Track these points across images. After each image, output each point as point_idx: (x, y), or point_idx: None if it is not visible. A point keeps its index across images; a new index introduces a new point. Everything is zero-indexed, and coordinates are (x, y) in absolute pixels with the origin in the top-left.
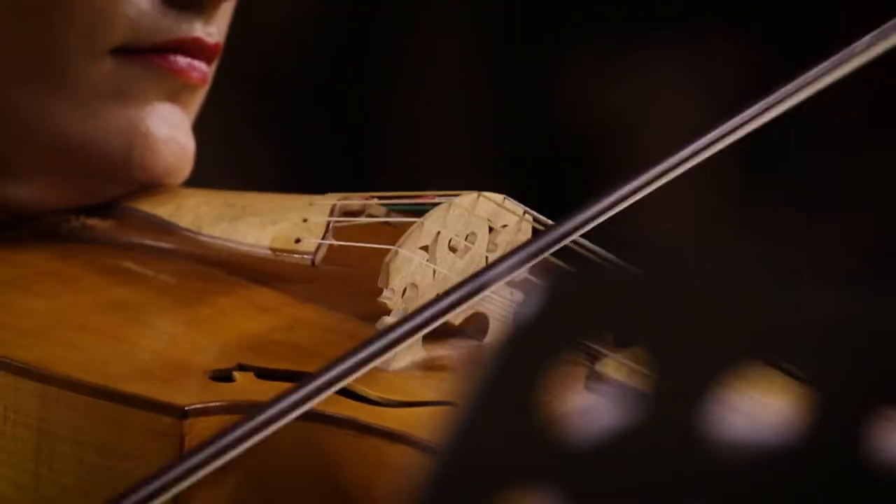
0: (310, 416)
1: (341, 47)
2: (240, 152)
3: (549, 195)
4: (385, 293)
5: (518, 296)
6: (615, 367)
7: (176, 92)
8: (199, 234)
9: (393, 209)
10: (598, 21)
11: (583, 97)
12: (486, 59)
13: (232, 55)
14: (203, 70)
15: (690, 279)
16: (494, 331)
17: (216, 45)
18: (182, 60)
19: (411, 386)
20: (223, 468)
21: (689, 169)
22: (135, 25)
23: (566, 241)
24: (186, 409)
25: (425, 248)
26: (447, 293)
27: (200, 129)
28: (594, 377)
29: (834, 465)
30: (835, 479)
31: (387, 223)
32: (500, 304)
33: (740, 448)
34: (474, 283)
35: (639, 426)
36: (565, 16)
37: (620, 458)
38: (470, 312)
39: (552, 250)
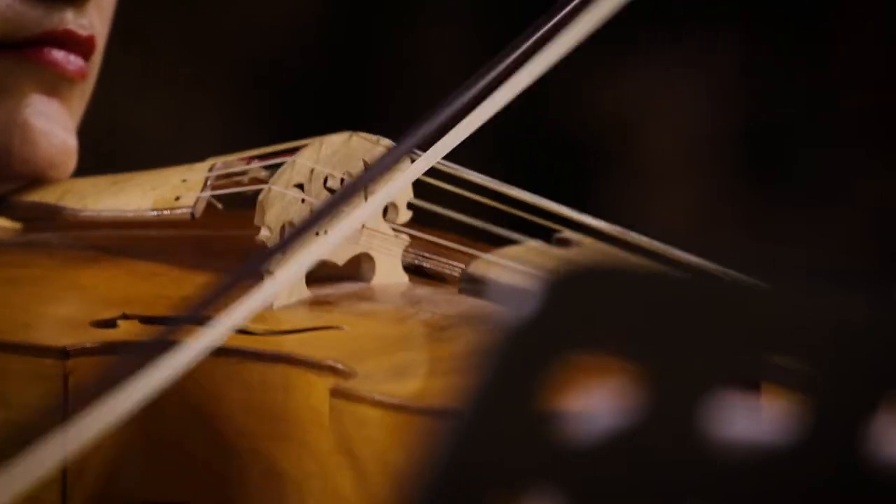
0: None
1: (341, 45)
2: (238, 151)
3: (548, 194)
4: (262, 231)
5: (404, 237)
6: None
7: (53, 86)
8: (86, 210)
9: (275, 171)
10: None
11: (582, 96)
12: (486, 57)
13: (230, 53)
14: (79, 64)
15: (691, 278)
16: (381, 270)
17: (89, 37)
18: (57, 53)
19: (295, 318)
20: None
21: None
22: (3, 19)
23: (416, 154)
24: (67, 349)
25: (301, 188)
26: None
27: (199, 128)
28: (468, 279)
29: (834, 465)
30: (835, 479)
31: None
32: (383, 242)
33: (740, 448)
34: (342, 197)
35: (639, 426)
36: None
37: (620, 459)
38: (354, 253)
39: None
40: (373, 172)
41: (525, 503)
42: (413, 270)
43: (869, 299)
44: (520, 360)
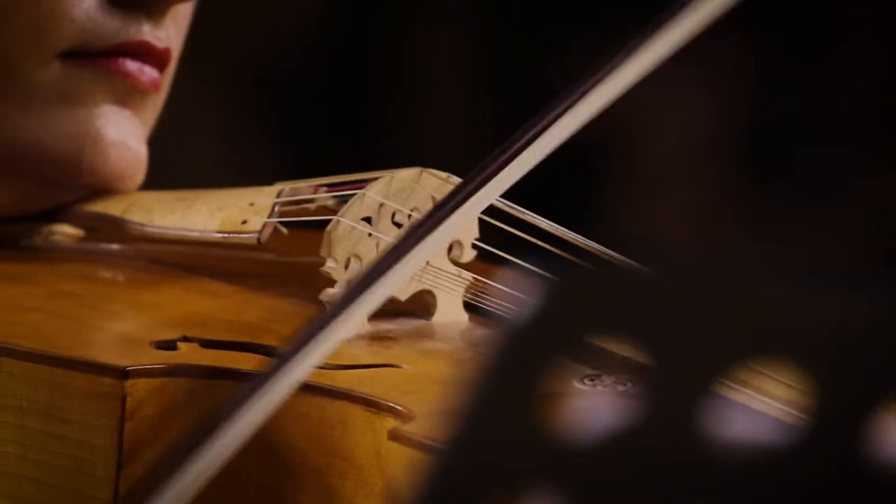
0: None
1: (341, 45)
2: (238, 151)
3: (549, 194)
4: (328, 263)
5: (467, 275)
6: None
7: (126, 96)
8: (150, 225)
9: (342, 201)
10: (599, 19)
11: None
12: (486, 57)
13: (230, 53)
14: (153, 76)
15: (692, 278)
16: (442, 309)
17: (165, 49)
18: (131, 64)
19: (355, 353)
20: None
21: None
22: (82, 28)
23: (479, 197)
24: (127, 369)
25: (368, 221)
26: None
27: (199, 128)
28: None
29: (834, 465)
30: (835, 479)
31: (330, 209)
32: (446, 279)
33: (740, 448)
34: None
35: (639, 426)
36: (566, 15)
37: (620, 459)
38: (416, 289)
39: (476, 207)
40: (447, 208)
41: (525, 503)
42: (473, 310)
43: (869, 299)
44: (520, 360)
